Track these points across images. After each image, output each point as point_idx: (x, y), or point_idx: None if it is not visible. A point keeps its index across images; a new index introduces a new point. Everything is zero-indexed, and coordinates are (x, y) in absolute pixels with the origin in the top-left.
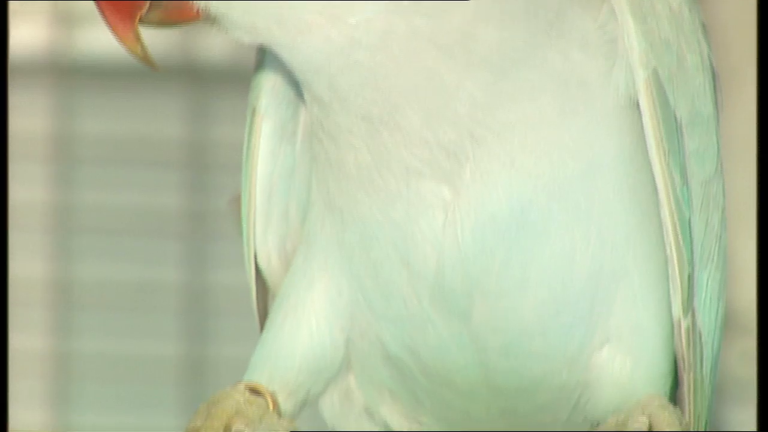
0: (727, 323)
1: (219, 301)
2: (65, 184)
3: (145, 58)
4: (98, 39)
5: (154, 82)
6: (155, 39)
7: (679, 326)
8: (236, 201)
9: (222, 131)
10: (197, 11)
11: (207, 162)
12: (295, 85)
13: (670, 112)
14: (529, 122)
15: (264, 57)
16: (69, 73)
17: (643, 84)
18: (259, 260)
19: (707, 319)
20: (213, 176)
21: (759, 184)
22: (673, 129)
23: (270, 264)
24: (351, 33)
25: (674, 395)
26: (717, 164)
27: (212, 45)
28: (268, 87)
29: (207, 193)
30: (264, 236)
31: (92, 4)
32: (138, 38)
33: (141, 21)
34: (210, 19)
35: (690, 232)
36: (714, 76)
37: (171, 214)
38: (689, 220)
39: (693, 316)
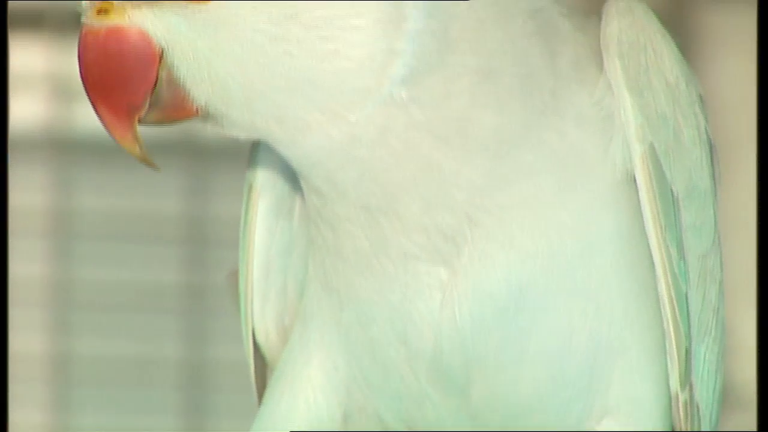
0: (726, 397)
1: (217, 376)
2: (64, 260)
3: (144, 158)
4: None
5: (153, 157)
6: None
7: (677, 399)
8: (234, 276)
9: (221, 206)
10: (196, 109)
11: (206, 237)
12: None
13: (666, 186)
14: (527, 203)
15: None
16: (68, 148)
17: (640, 159)
18: (257, 336)
19: (705, 393)
20: (212, 251)
21: (759, 256)
22: (669, 204)
23: (268, 339)
24: (351, 130)
25: None
26: (714, 237)
27: None
28: (265, 164)
29: (206, 268)
30: (262, 312)
31: None
32: (136, 139)
33: (139, 121)
34: (207, 117)
35: (687, 306)
36: (711, 149)
37: (170, 290)
38: (686, 294)
39: (691, 389)
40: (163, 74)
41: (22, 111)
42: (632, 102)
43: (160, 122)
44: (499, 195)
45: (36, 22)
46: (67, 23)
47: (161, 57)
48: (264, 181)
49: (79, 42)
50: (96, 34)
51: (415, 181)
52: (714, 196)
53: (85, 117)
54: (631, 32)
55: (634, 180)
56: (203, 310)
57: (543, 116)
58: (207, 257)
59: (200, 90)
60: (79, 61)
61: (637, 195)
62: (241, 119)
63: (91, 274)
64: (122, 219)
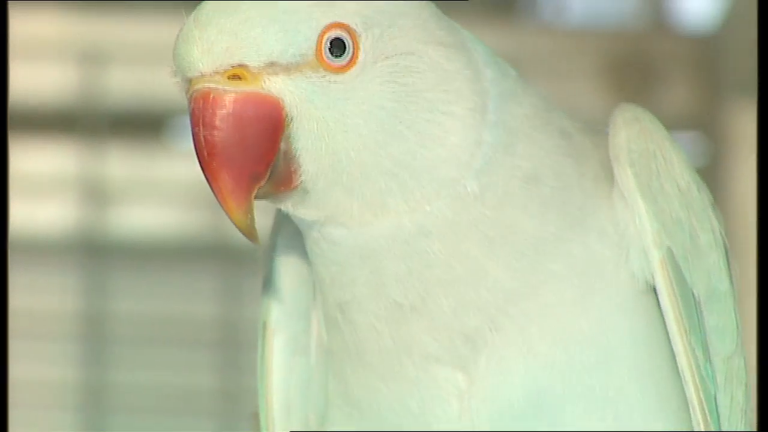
0: None
1: None
2: (97, 363)
3: (250, 232)
4: (128, 218)
5: (185, 261)
6: (188, 219)
7: None
8: (256, 417)
9: (255, 310)
10: (297, 185)
11: (240, 341)
12: (305, 297)
13: (687, 290)
14: (548, 310)
15: (272, 263)
16: (100, 252)
17: (659, 264)
18: None
19: None
20: (246, 355)
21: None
22: (691, 306)
23: None
24: (422, 220)
25: None
26: (737, 339)
27: None
28: (277, 301)
29: (240, 372)
30: None
31: (122, 183)
32: (249, 212)
33: None
34: (301, 191)
35: (717, 409)
36: (727, 252)
37: (204, 393)
38: (715, 396)
39: None
40: (282, 145)
41: (54, 214)
42: (647, 209)
43: (266, 196)
44: (523, 301)
45: (68, 125)
46: (99, 126)
47: (285, 127)
48: (278, 318)
49: (200, 104)
50: (227, 99)
51: (455, 279)
52: (734, 298)
53: (118, 220)
54: (640, 140)
55: (651, 289)
56: (238, 413)
57: (571, 229)
58: (241, 361)
59: (312, 163)
60: (201, 123)
61: (654, 303)
62: (332, 197)
63: (124, 377)
64: (155, 323)
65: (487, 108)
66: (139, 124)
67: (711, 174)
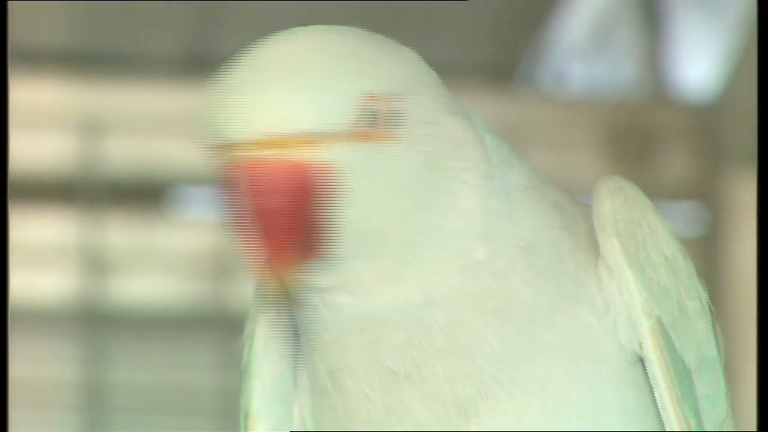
0: None
1: None
2: None
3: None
4: (129, 287)
5: (185, 331)
6: (188, 288)
7: None
8: None
9: None
10: (320, 253)
11: (239, 411)
12: (287, 382)
13: (677, 358)
14: (540, 381)
15: (252, 349)
16: (99, 321)
17: (648, 332)
18: None
19: None
20: None
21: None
22: (682, 374)
23: None
24: (429, 290)
25: None
26: (727, 407)
27: (242, 294)
28: (258, 389)
29: None
30: None
31: (122, 252)
32: (295, 279)
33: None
34: (325, 258)
35: None
36: (713, 320)
37: None
38: None
39: None
40: (318, 214)
41: (54, 284)
42: (635, 278)
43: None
44: (516, 371)
45: (68, 195)
46: (99, 196)
47: (324, 197)
48: (259, 407)
49: (243, 172)
50: (274, 167)
51: (453, 348)
52: (722, 367)
53: (118, 290)
54: (625, 210)
55: (639, 360)
56: None
57: (564, 300)
58: None
59: (338, 230)
60: (243, 192)
61: (642, 375)
62: (350, 265)
63: None
64: (155, 392)
65: (493, 175)
66: (139, 194)
67: (710, 244)
